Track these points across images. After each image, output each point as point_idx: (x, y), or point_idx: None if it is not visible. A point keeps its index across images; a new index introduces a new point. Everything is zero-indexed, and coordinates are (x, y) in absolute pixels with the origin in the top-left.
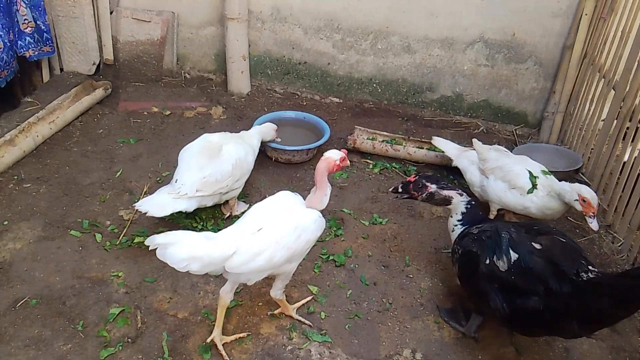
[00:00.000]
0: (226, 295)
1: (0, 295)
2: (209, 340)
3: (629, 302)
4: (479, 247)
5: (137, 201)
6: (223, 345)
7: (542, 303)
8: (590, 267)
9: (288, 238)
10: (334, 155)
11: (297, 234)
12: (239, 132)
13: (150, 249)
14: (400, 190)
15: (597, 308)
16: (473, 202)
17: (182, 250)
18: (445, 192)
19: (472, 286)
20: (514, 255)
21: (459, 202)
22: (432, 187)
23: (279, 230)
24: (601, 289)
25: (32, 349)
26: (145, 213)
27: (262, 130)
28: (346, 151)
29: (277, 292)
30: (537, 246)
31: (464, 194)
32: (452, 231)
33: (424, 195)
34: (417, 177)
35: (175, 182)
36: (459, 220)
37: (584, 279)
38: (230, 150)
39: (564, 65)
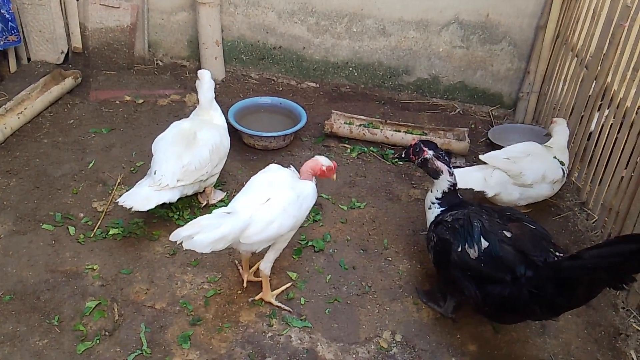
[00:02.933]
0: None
1: None
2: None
3: (571, 285)
4: (452, 235)
5: (111, 192)
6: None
7: (508, 290)
8: (557, 253)
9: (293, 206)
10: (323, 160)
11: (300, 202)
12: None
13: (177, 243)
14: (403, 155)
15: (548, 292)
16: (456, 186)
17: (208, 235)
18: (439, 164)
19: (446, 273)
20: (484, 243)
21: (445, 180)
22: (429, 154)
23: (285, 199)
24: (549, 272)
25: (7, 345)
26: (130, 209)
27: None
28: (336, 165)
29: (267, 264)
30: (508, 234)
31: (454, 174)
32: (429, 208)
33: (419, 159)
34: (416, 142)
35: (154, 173)
36: (437, 199)
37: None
38: (205, 137)
39: (537, 46)
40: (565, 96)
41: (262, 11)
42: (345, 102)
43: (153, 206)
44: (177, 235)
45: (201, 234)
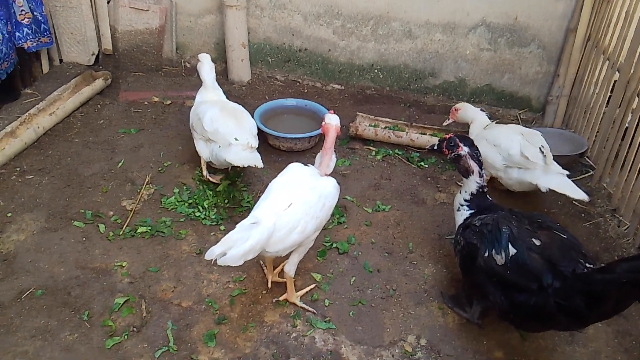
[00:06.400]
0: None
1: (5, 286)
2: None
3: (600, 298)
4: (479, 239)
5: (140, 192)
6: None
7: (534, 299)
8: (587, 264)
9: (315, 208)
10: (337, 122)
11: (322, 202)
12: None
13: (213, 261)
14: (435, 147)
15: (575, 304)
16: (485, 189)
17: (239, 249)
18: (471, 163)
19: (472, 278)
20: (512, 250)
21: (474, 181)
22: (464, 150)
23: (307, 202)
24: (578, 284)
25: (38, 339)
26: (255, 166)
27: None
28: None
29: (291, 267)
30: (537, 242)
31: (484, 176)
32: (458, 210)
33: (453, 154)
34: (452, 135)
35: (236, 140)
36: (466, 201)
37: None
38: (240, 108)
39: (567, 49)
40: (597, 100)
41: (289, 14)
42: (370, 105)
43: (261, 164)
44: (212, 253)
45: (233, 249)
